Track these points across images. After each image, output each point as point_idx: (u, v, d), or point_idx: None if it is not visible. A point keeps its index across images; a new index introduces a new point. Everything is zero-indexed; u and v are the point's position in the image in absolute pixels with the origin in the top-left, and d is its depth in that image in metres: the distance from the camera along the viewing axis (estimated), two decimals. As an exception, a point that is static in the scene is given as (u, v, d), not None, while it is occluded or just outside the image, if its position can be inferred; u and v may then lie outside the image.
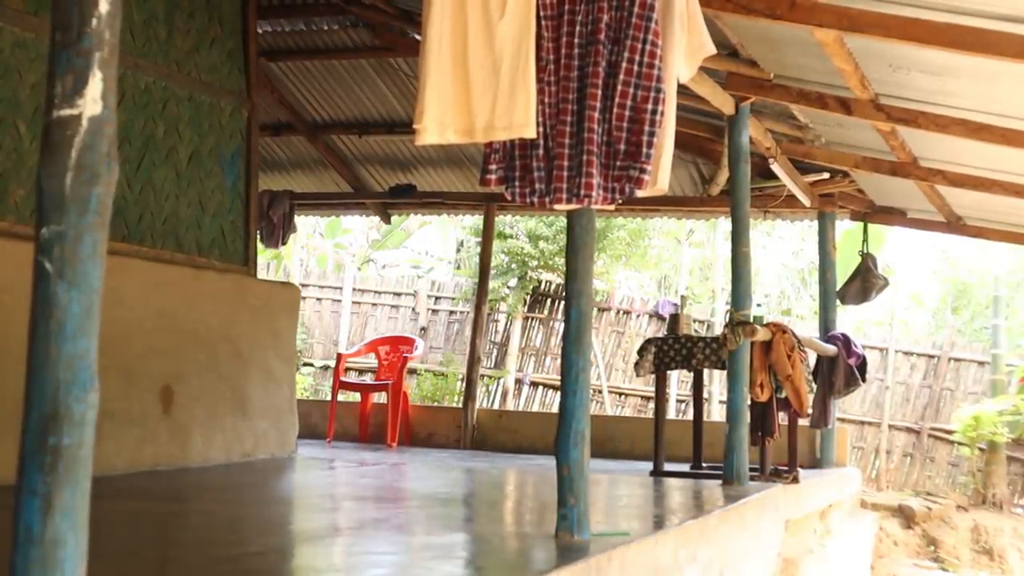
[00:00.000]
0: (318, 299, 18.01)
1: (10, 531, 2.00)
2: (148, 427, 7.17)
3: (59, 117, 2.09)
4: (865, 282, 10.33)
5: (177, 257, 7.86)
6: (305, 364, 17.28)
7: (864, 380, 9.70)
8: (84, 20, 2.11)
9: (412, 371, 16.46)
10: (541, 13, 4.24)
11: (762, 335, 7.54)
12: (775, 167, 8.88)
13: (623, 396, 16.82)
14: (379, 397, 11.33)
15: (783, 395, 7.83)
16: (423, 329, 17.40)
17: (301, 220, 13.58)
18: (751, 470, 7.59)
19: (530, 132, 4.05)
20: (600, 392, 16.41)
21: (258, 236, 9.77)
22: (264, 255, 16.48)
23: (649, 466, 8.56)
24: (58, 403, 2.02)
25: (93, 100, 2.11)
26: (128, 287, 6.98)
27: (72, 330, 2.05)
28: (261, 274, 10.92)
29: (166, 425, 7.37)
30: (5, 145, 6.55)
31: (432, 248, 22.24)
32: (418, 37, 8.25)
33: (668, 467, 8.47)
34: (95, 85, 2.12)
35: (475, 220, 16.26)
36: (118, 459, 6.75)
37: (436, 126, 3.98)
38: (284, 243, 12.25)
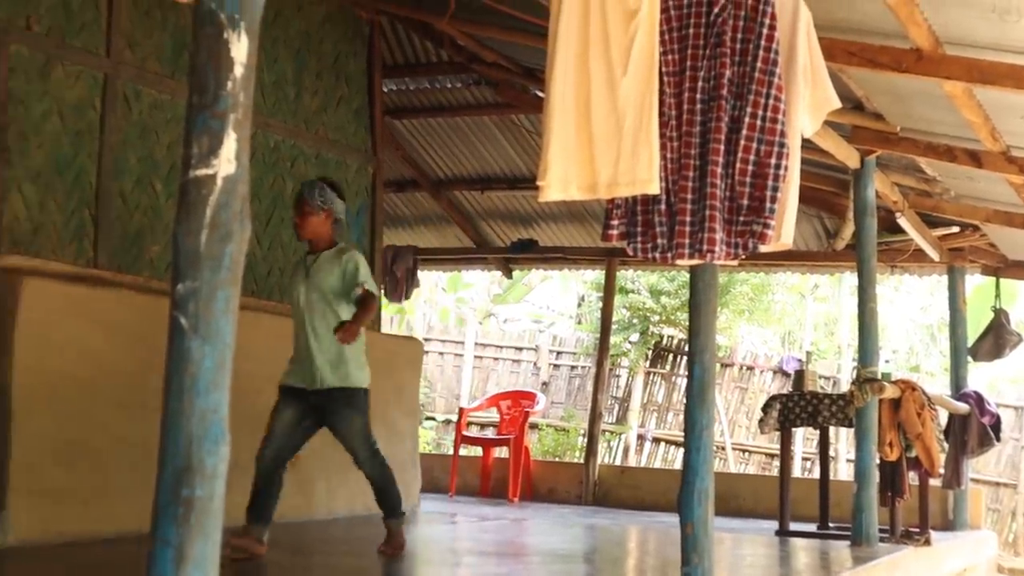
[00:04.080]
0: (440, 353, 18.13)
1: (144, 580, 2.04)
2: (274, 479, 7.27)
3: (195, 177, 2.16)
4: (998, 338, 10.05)
5: (304, 311, 7.99)
6: (427, 418, 17.38)
7: (998, 439, 9.42)
8: (220, 83, 2.18)
9: (533, 426, 16.43)
10: (663, 69, 4.25)
11: (890, 392, 7.38)
12: (902, 221, 8.72)
13: (747, 453, 16.57)
14: (501, 451, 11.34)
15: (913, 454, 7.64)
16: (544, 384, 17.38)
17: (424, 275, 13.73)
18: (880, 531, 7.40)
19: (653, 188, 4.05)
20: (723, 449, 16.19)
21: (382, 291, 9.90)
22: (388, 309, 16.68)
23: (774, 525, 8.40)
24: (191, 456, 2.07)
25: (228, 160, 2.17)
26: (256, 341, 7.10)
27: (205, 384, 2.10)
28: (385, 328, 11.06)
29: (291, 477, 7.46)
30: (142, 203, 6.77)
31: (553, 303, 22.26)
32: (540, 94, 8.33)
33: (794, 527, 8.31)
34: (230, 145, 2.18)
35: (596, 275, 16.25)
36: (244, 511, 6.85)
37: (560, 183, 4.00)
38: (407, 298, 12.38)
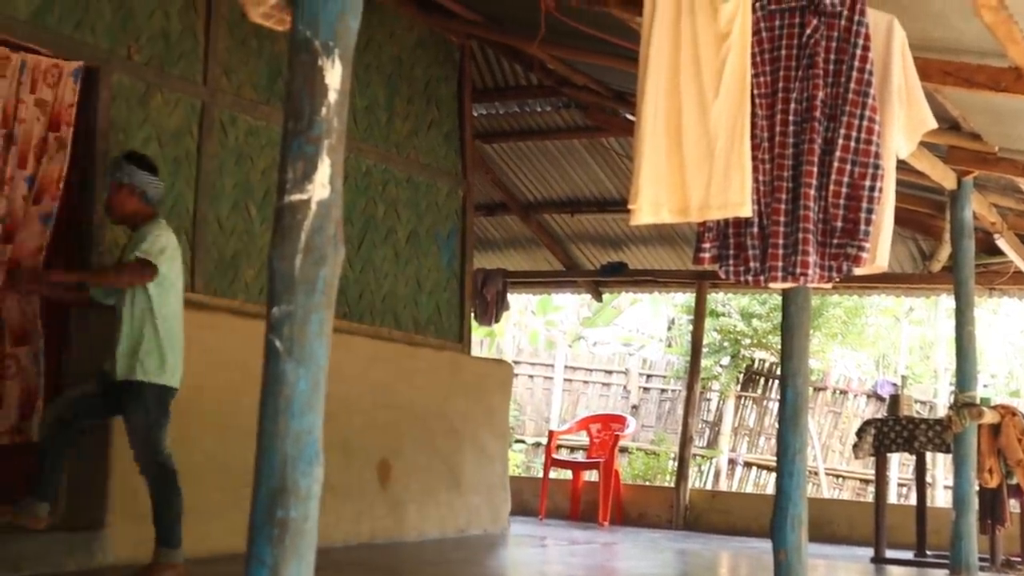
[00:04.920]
0: (530, 376, 18.12)
1: (239, 600, 2.07)
2: (366, 501, 7.33)
3: (290, 202, 2.19)
4: (1102, 363, 9.80)
5: (395, 334, 8.07)
6: (517, 441, 17.37)
7: (1103, 467, 9.15)
8: (315, 109, 2.21)
9: (623, 449, 16.34)
10: (755, 91, 4.23)
11: (990, 418, 7.22)
12: (1001, 243, 8.55)
13: (841, 478, 16.31)
14: (590, 475, 11.30)
15: (1014, 481, 7.46)
16: (634, 407, 17.29)
17: (514, 298, 13.76)
18: (980, 560, 7.23)
19: (745, 211, 4.03)
20: (816, 474, 15.95)
21: (472, 314, 9.94)
22: (478, 332, 16.73)
23: (869, 552, 8.26)
24: (285, 477, 2.09)
25: (322, 185, 2.20)
26: (348, 363, 7.18)
27: (299, 406, 2.12)
28: (475, 351, 11.12)
29: (383, 499, 7.52)
30: (237, 228, 6.88)
31: (643, 326, 22.14)
32: (631, 118, 8.31)
33: (890, 554, 8.16)
34: (324, 170, 2.21)
35: (687, 298, 16.14)
36: (337, 532, 6.92)
37: (651, 206, 4.00)
38: (497, 320, 12.40)
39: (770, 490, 15.34)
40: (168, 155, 6.47)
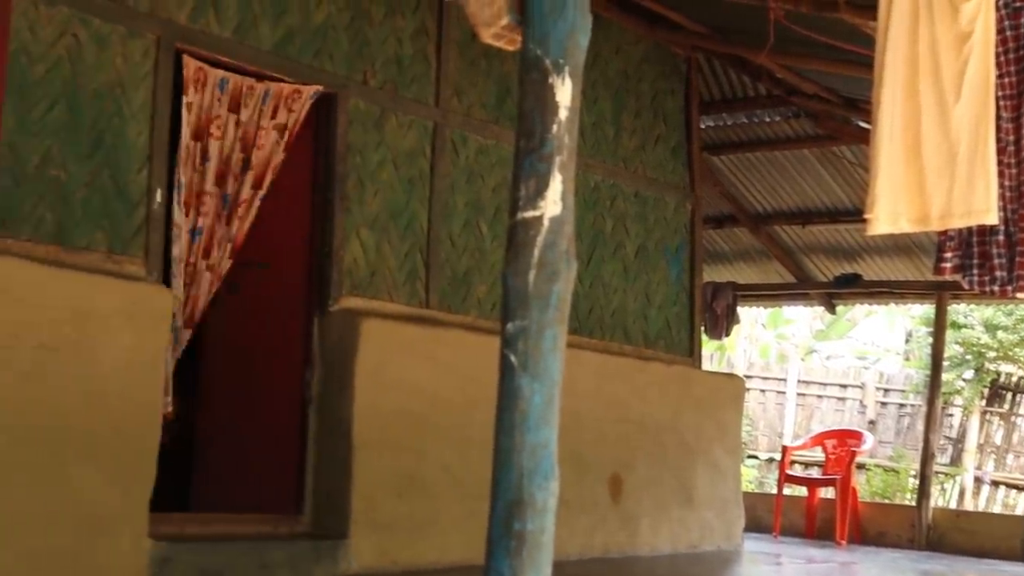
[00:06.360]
0: (762, 390, 17.82)
1: (478, 611, 2.10)
2: (599, 514, 7.35)
3: (523, 219, 2.22)
4: None
5: (625, 349, 8.07)
6: (750, 456, 17.10)
7: None
8: (546, 127, 2.24)
9: (860, 466, 15.84)
10: (999, 93, 4.06)
11: None
12: None
13: (1099, 500, 15.42)
14: (826, 492, 11.02)
15: None
16: (871, 422, 16.77)
17: (744, 311, 13.56)
18: None
19: (991, 218, 3.87)
20: (1071, 494, 15.13)
21: (702, 328, 9.85)
22: (708, 346, 16.55)
23: None
24: (522, 490, 2.12)
25: (554, 201, 2.23)
26: (580, 378, 7.22)
27: (535, 420, 2.15)
28: (705, 365, 11.01)
29: (615, 513, 7.53)
30: (469, 245, 7.02)
31: (878, 338, 21.49)
32: (864, 125, 8.10)
33: None
34: (555, 187, 2.23)
35: (925, 309, 15.59)
36: (571, 545, 6.95)
37: (888, 216, 3.89)
38: (727, 334, 12.25)
39: (1020, 511, 14.63)
40: (403, 176, 6.66)
